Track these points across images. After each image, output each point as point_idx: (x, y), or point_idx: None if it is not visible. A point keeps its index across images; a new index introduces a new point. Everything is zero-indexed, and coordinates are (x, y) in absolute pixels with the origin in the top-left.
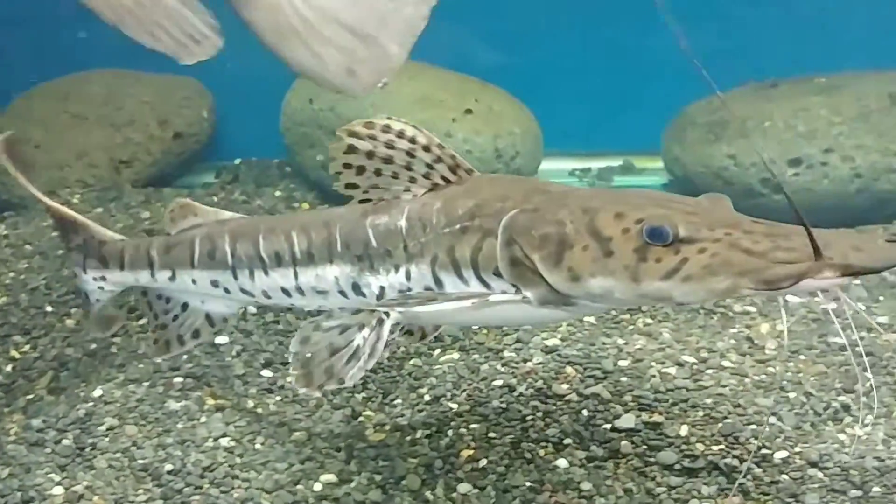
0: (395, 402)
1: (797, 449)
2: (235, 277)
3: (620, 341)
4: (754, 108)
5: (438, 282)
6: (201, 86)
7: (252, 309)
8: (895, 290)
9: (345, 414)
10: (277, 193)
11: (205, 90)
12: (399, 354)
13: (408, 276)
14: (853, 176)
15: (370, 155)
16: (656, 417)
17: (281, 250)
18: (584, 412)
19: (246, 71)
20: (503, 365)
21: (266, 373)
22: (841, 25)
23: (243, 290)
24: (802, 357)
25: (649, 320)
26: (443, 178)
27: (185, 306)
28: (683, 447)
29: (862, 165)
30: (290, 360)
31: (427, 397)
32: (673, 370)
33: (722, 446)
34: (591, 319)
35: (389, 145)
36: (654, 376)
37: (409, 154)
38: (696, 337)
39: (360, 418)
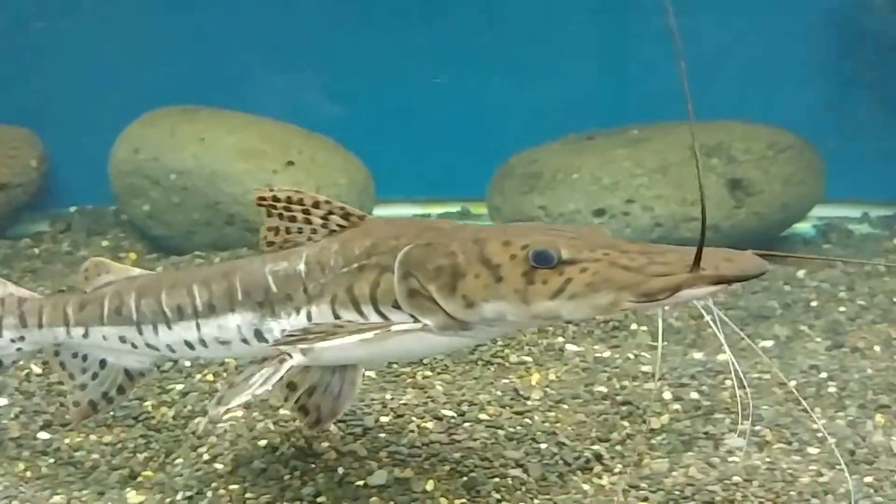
0: (177, 461)
1: (536, 501)
2: (140, 332)
3: (388, 396)
4: (566, 160)
5: (339, 319)
6: (32, 134)
7: (37, 369)
8: (654, 344)
9: (122, 475)
10: (105, 243)
11: (35, 138)
12: (184, 413)
13: (308, 317)
14: (653, 225)
15: (281, 217)
16: (407, 473)
17: (183, 304)
18: (340, 469)
19: (79, 118)
20: (275, 423)
21: (43, 435)
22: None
23: (148, 345)
24: (565, 406)
25: (428, 373)
26: (338, 225)
27: (103, 363)
28: (428, 502)
29: (662, 214)
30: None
31: (206, 457)
32: (431, 424)
33: (464, 500)
34: (371, 374)
35: (287, 209)
36: (412, 431)
37: (305, 213)
38: (466, 389)
39: (139, 478)
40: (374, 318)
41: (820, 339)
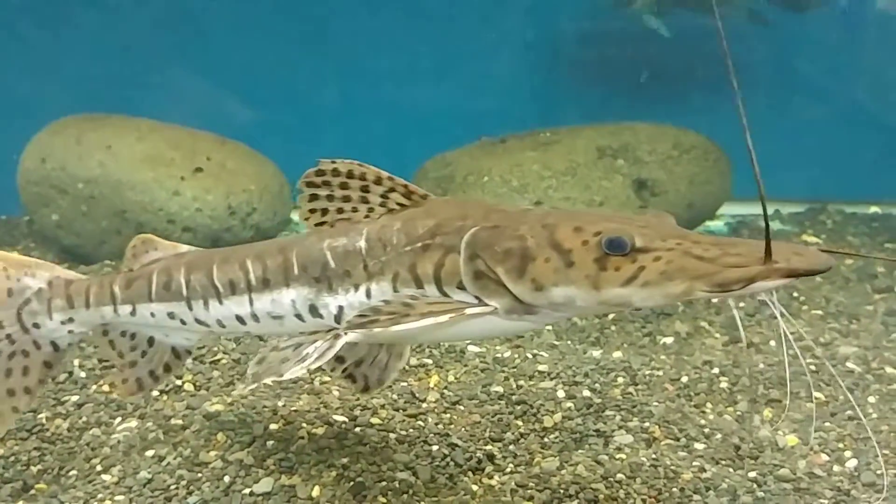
0: (71, 473)
1: (423, 503)
2: (190, 308)
3: (281, 403)
4: (478, 163)
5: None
6: None
7: None
8: (556, 343)
9: (14, 488)
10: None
11: None
12: (79, 424)
13: (368, 295)
14: None
15: (330, 198)
16: (293, 480)
17: (235, 278)
18: (226, 478)
19: None
20: (165, 433)
21: None
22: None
23: (198, 321)
24: (461, 408)
25: (326, 378)
26: (398, 204)
27: (151, 341)
28: None
29: None
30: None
31: (99, 468)
32: (321, 430)
33: None
34: (266, 381)
35: (344, 186)
36: (301, 438)
37: (363, 189)
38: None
39: (32, 490)
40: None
41: (718, 335)
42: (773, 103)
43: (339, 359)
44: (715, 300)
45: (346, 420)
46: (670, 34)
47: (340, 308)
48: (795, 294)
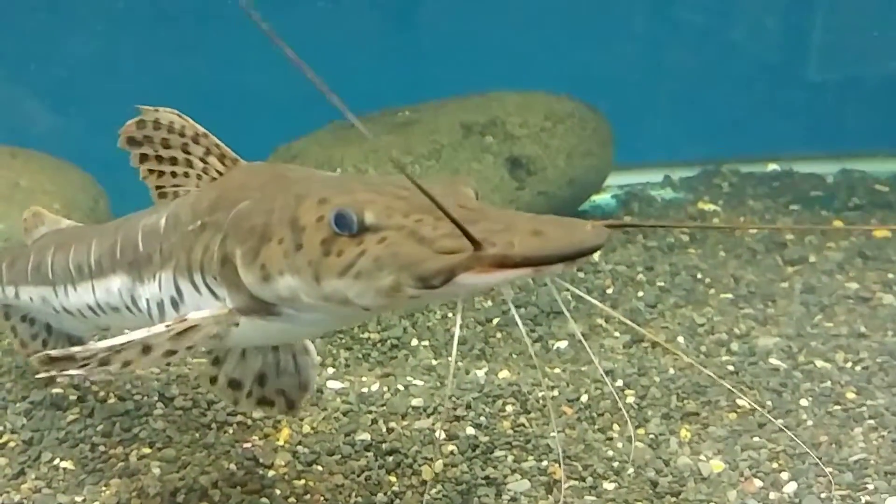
0: None
1: None
2: (56, 294)
3: (80, 498)
4: (328, 151)
5: (179, 292)
6: None
7: None
8: (433, 364)
9: None
10: None
11: None
12: None
13: (160, 287)
14: None
15: (159, 159)
16: None
17: (81, 261)
18: None
19: None
20: None
21: None
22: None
23: (65, 309)
24: (318, 468)
25: (147, 450)
26: (216, 171)
27: (48, 328)
28: None
29: None
30: None
31: None
32: None
33: None
34: (68, 464)
35: (166, 144)
36: None
37: (185, 149)
38: (191, 468)
39: None
40: (206, 292)
41: (618, 335)
42: (654, 59)
43: (233, 384)
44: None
45: None
46: None
47: (148, 302)
48: (699, 276)
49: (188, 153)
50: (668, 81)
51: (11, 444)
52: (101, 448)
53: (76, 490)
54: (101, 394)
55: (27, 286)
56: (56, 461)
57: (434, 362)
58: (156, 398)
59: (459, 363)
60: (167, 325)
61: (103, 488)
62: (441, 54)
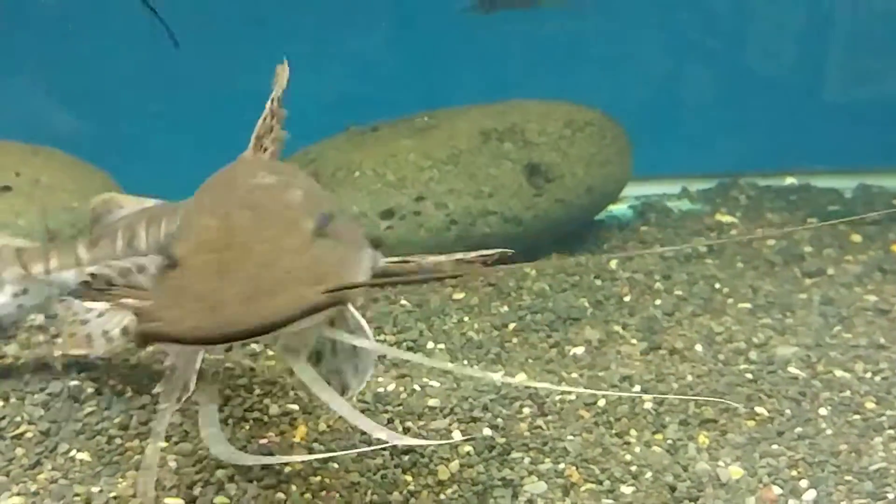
0: None
1: None
2: None
3: (97, 489)
4: (347, 156)
5: None
6: None
7: None
8: (446, 375)
9: None
10: None
11: None
12: None
13: None
14: (448, 223)
15: None
16: None
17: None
18: None
19: None
20: None
21: None
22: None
23: None
24: (335, 466)
25: (163, 443)
26: None
27: None
28: None
29: (456, 211)
30: None
31: None
32: None
33: None
34: (85, 456)
35: None
36: None
37: None
38: (207, 462)
39: None
40: None
41: (635, 342)
42: (673, 71)
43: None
44: None
45: (182, 503)
46: None
47: None
48: (717, 286)
49: None
50: (686, 94)
51: (28, 434)
52: (118, 441)
53: (92, 481)
54: (119, 387)
55: None
56: (73, 452)
57: (450, 365)
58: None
59: (475, 366)
60: None
61: (119, 480)
62: (460, 63)
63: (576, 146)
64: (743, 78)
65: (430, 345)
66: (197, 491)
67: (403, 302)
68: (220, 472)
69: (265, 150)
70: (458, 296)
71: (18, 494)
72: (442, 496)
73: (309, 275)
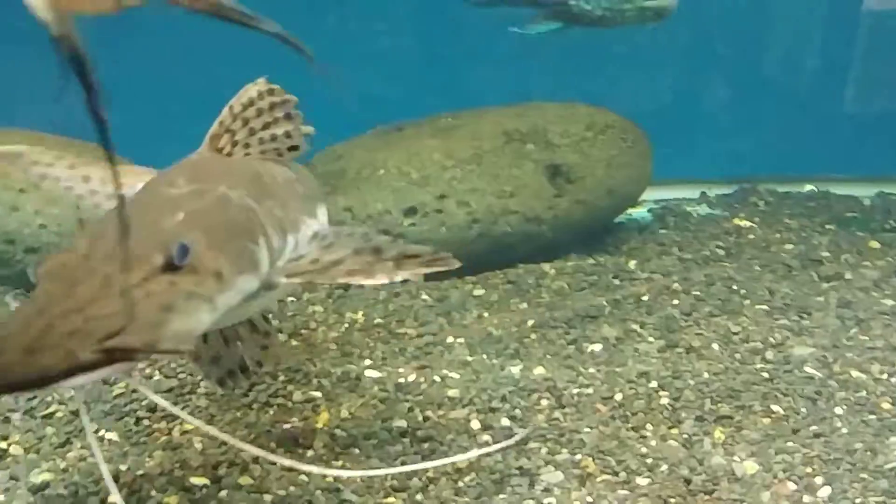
0: None
1: None
2: None
3: (125, 466)
4: (372, 154)
5: None
6: None
7: None
8: (469, 359)
9: None
10: None
11: None
12: None
13: None
14: (470, 221)
15: None
16: None
17: None
18: None
19: None
20: None
21: None
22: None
23: None
24: (356, 451)
25: (188, 427)
26: None
27: None
28: None
29: (478, 210)
30: None
31: None
32: (174, 499)
33: None
34: (114, 436)
35: None
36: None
37: None
38: (242, 434)
39: None
40: None
41: (652, 339)
42: (693, 77)
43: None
44: None
45: (208, 483)
46: None
47: None
48: (735, 287)
49: None
50: (706, 100)
51: (59, 414)
52: (146, 422)
53: (120, 460)
54: (147, 370)
55: None
56: (101, 432)
57: (469, 358)
58: (199, 377)
59: (494, 360)
60: None
61: (147, 459)
62: (482, 66)
63: (597, 148)
64: (763, 85)
65: (450, 339)
66: (222, 471)
67: (424, 297)
68: (244, 454)
69: (221, 150)
70: (479, 292)
71: (48, 471)
72: (460, 483)
73: (99, 328)
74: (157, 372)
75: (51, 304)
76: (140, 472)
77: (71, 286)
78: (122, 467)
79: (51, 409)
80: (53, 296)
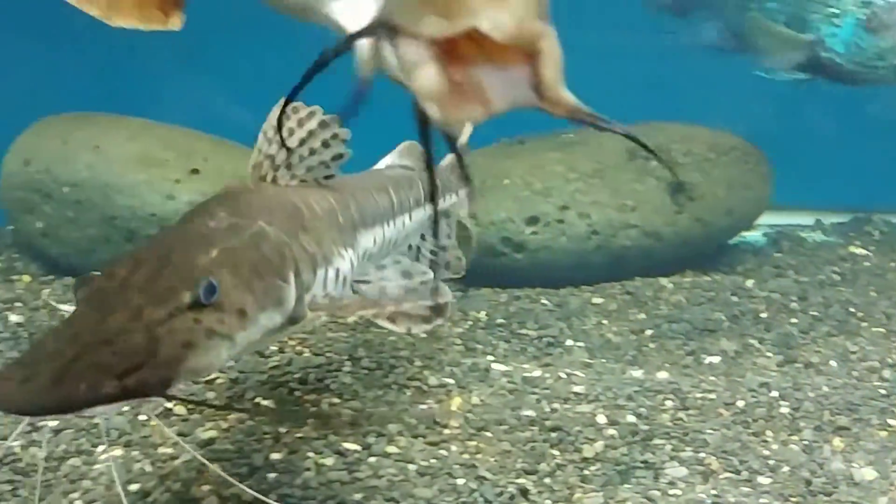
0: None
1: None
2: None
3: (283, 430)
4: (496, 165)
5: None
6: None
7: None
8: (590, 362)
9: None
10: None
11: None
12: (57, 453)
13: None
14: (590, 233)
15: None
16: None
17: None
18: None
19: None
20: (152, 464)
21: None
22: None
23: None
24: (488, 434)
25: (336, 399)
26: None
27: None
28: None
29: (598, 222)
30: None
31: (79, 503)
32: (330, 461)
33: None
34: (269, 404)
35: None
36: (307, 469)
37: None
38: (376, 418)
39: None
40: None
41: (771, 355)
42: (812, 105)
43: None
44: None
45: (359, 449)
46: None
47: None
48: (851, 309)
49: None
50: (825, 128)
51: (219, 380)
52: (297, 393)
53: (277, 424)
54: (298, 347)
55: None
56: (258, 399)
57: (589, 361)
58: (345, 357)
59: (614, 365)
60: None
61: (300, 425)
62: (601, 87)
63: (719, 168)
64: (883, 115)
65: (570, 342)
66: (371, 439)
67: (544, 301)
68: (391, 426)
69: (264, 177)
70: (597, 300)
71: (211, 430)
72: (586, 472)
73: (122, 363)
74: (306, 350)
75: (83, 332)
76: (298, 434)
77: (104, 315)
78: (282, 429)
79: (212, 377)
80: (87, 324)
